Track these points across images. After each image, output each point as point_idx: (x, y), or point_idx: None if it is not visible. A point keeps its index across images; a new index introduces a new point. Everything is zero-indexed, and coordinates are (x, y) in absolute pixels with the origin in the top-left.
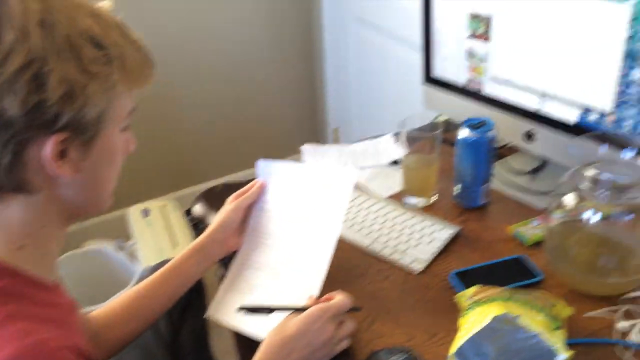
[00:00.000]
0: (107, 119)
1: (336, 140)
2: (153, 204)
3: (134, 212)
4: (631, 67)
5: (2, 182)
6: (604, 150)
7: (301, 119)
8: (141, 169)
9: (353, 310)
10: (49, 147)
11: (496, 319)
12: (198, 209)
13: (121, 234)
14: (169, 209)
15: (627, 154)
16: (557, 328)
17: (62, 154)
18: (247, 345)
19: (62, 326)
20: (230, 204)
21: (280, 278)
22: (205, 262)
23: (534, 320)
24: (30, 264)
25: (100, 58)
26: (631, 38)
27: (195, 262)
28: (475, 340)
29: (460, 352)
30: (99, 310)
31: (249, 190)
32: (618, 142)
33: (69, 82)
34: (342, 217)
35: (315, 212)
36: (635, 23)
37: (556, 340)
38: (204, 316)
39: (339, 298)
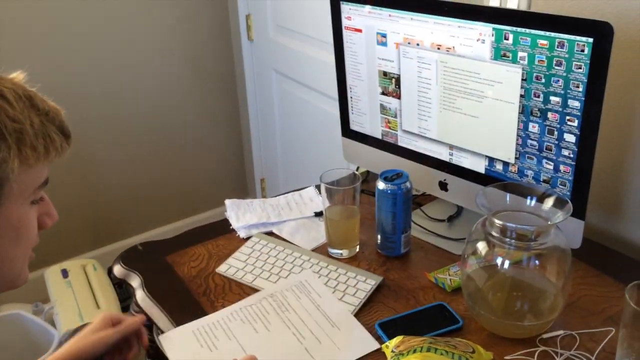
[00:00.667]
0: (7, 194)
1: (263, 190)
2: (72, 264)
3: (52, 273)
4: (527, 122)
5: None
6: (509, 199)
7: (227, 171)
8: (59, 227)
9: None
10: None
11: None
12: (117, 270)
13: (39, 296)
14: (90, 269)
15: (531, 202)
16: None
17: None
18: None
19: None
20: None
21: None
22: None
23: None
24: None
25: None
26: (523, 96)
27: None
28: None
29: None
30: None
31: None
32: (521, 191)
33: None
34: None
35: (320, 342)
36: (527, 83)
37: None
38: (157, 338)
39: None
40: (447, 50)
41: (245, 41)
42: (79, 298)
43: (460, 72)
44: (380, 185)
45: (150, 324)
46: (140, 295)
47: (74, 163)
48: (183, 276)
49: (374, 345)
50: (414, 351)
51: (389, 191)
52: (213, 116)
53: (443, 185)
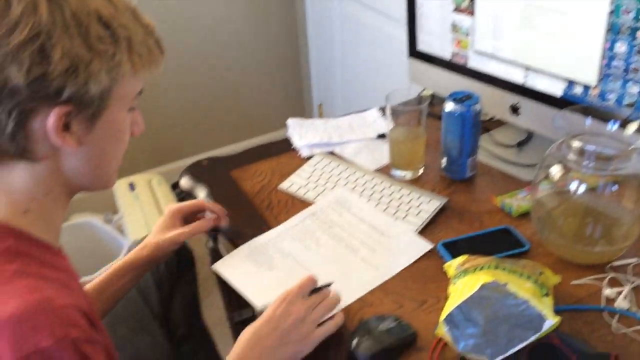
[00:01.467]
0: (112, 97)
1: (321, 116)
2: (139, 178)
3: (120, 186)
4: (614, 41)
5: (5, 147)
6: (589, 122)
7: (286, 95)
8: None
9: (324, 287)
10: (52, 119)
11: (485, 287)
12: (184, 182)
13: (108, 207)
14: (155, 183)
15: (612, 126)
16: (545, 295)
17: (65, 127)
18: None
19: (67, 287)
20: (169, 207)
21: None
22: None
23: (522, 287)
24: (36, 228)
25: (106, 37)
26: (613, 12)
27: (147, 259)
28: (464, 307)
29: (450, 318)
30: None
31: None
32: (602, 115)
33: (73, 57)
34: (395, 272)
35: (374, 250)
36: None
37: (544, 307)
38: (211, 267)
39: (300, 280)
40: None
41: None
42: (146, 209)
43: None
44: (449, 106)
45: (216, 229)
46: None
47: (146, 83)
48: (247, 191)
49: (427, 246)
50: (481, 268)
51: (457, 113)
52: (272, 39)
53: (514, 110)
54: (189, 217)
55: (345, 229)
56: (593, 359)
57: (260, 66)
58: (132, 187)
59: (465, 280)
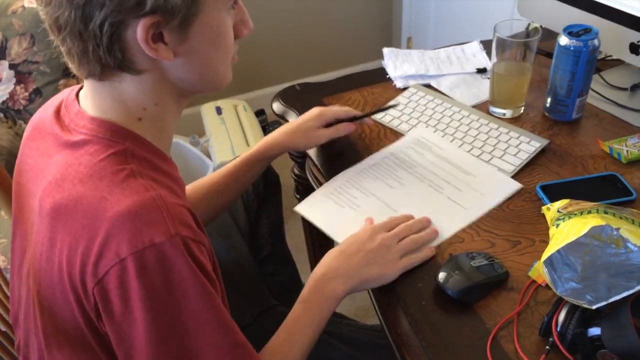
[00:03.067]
0: (202, 2)
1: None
2: (226, 102)
3: (207, 109)
4: None
5: (105, 60)
6: None
7: (375, 27)
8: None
9: None
10: (140, 31)
11: (593, 230)
12: (277, 106)
13: (195, 130)
14: (241, 109)
15: None
16: None
17: (158, 37)
18: (317, 240)
19: (175, 194)
20: (316, 109)
21: (386, 213)
22: (278, 152)
23: (635, 234)
24: (150, 135)
25: None
26: None
27: (270, 153)
28: (563, 251)
29: (549, 261)
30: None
31: (340, 111)
32: None
33: None
34: (485, 211)
35: (460, 190)
36: None
37: None
38: (294, 209)
39: (389, 218)
40: None
41: None
42: (231, 134)
43: None
44: (563, 40)
45: (302, 156)
46: None
47: None
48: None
49: (515, 185)
50: (589, 212)
51: (572, 47)
52: None
53: (634, 48)
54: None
55: (428, 168)
56: None
57: None
58: (219, 110)
59: (572, 223)
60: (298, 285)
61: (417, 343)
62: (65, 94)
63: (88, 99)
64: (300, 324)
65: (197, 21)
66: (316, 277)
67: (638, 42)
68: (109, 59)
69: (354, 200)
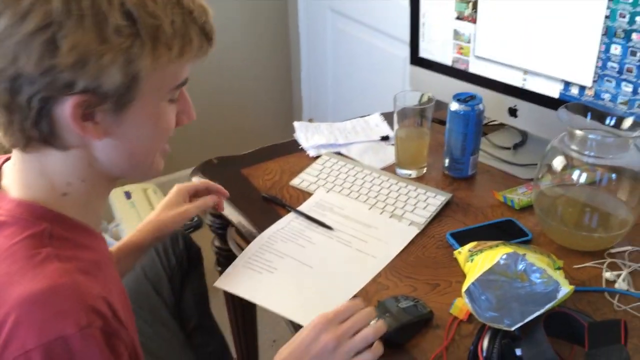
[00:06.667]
0: (142, 89)
1: None
2: (134, 187)
3: (115, 195)
4: (609, 43)
5: (31, 134)
6: (589, 118)
7: (276, 110)
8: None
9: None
10: (68, 109)
11: (499, 266)
12: (197, 180)
13: (104, 216)
14: (151, 192)
15: (610, 121)
16: (557, 269)
17: (88, 116)
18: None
19: (98, 273)
20: (175, 185)
21: (306, 275)
22: (160, 234)
23: (538, 260)
24: (74, 211)
25: (125, 28)
26: (608, 17)
27: (152, 236)
28: (479, 287)
29: (468, 291)
30: None
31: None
32: (599, 113)
33: (83, 51)
34: (392, 256)
35: (366, 241)
36: (614, 3)
37: (558, 277)
38: (214, 285)
39: (340, 305)
40: None
41: None
42: (143, 216)
43: None
44: (454, 106)
45: (223, 227)
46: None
47: None
48: (259, 187)
49: (414, 231)
50: (497, 246)
51: (462, 112)
52: (264, 55)
53: (512, 112)
54: (192, 198)
55: (333, 226)
56: (605, 325)
57: (251, 79)
58: (128, 195)
59: (485, 255)
60: (228, 355)
61: None
62: None
63: (13, 172)
64: None
65: (133, 107)
66: None
67: (514, 106)
68: (35, 132)
69: (269, 263)
